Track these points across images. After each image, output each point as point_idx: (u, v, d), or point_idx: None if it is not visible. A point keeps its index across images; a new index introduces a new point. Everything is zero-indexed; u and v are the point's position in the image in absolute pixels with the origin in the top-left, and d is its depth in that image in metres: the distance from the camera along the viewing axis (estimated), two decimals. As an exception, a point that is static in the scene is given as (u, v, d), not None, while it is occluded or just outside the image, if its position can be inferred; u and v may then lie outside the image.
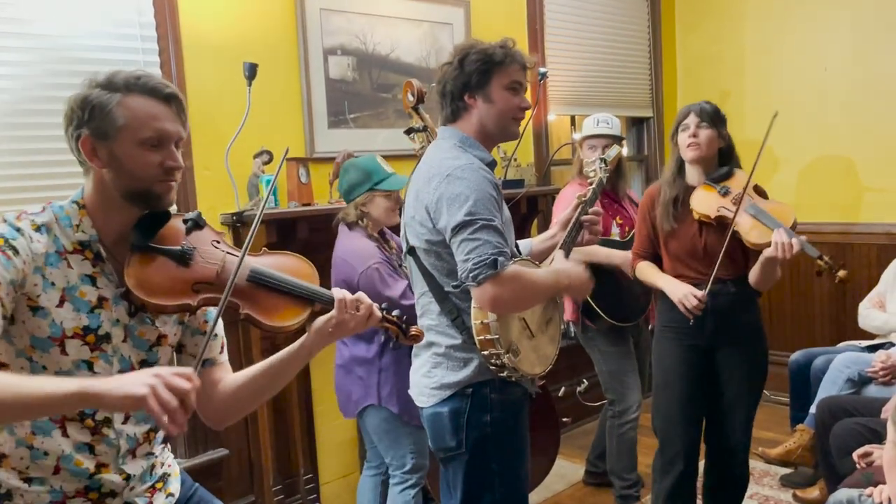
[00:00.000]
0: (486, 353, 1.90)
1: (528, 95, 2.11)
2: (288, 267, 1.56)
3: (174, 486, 1.63)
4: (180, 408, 1.19)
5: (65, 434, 1.41)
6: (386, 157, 3.11)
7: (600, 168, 2.40)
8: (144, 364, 1.51)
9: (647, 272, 2.72)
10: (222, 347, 1.65)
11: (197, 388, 1.23)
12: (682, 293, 2.56)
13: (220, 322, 1.63)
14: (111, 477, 1.46)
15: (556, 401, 3.87)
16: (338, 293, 1.53)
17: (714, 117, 2.62)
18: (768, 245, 2.45)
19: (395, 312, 1.65)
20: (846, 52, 4.43)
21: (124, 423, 1.48)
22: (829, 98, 4.49)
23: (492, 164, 1.98)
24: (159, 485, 1.58)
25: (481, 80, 1.94)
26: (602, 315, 3.19)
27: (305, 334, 1.55)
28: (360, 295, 1.56)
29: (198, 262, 1.46)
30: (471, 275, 1.78)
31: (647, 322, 3.50)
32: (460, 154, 1.92)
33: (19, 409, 1.19)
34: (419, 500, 2.73)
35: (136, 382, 1.18)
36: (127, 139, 1.39)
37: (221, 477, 3.03)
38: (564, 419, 4.31)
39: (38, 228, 1.38)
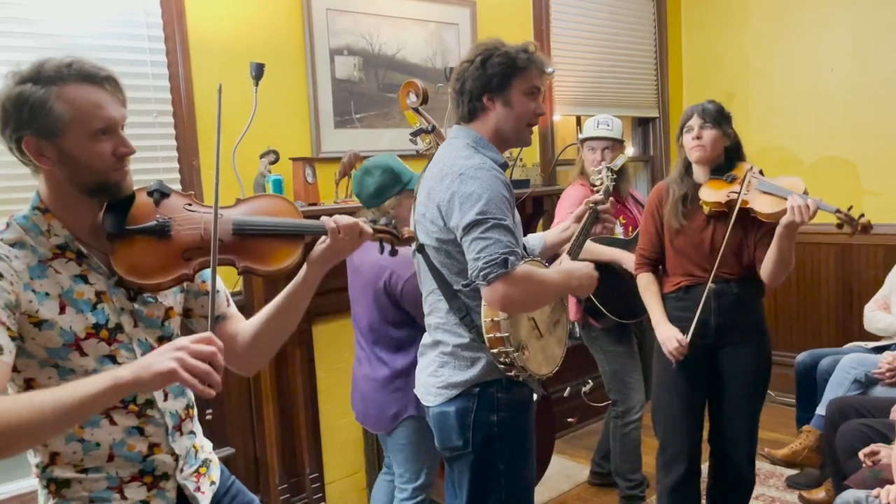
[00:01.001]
0: (494, 351, 1.90)
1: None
2: (267, 208, 1.55)
3: (215, 474, 1.65)
4: (212, 370, 1.21)
5: (112, 423, 1.42)
6: (392, 157, 3.12)
7: (607, 177, 2.41)
8: (162, 340, 1.52)
9: (646, 291, 2.75)
10: (228, 300, 1.66)
11: (220, 347, 1.24)
12: (666, 335, 2.63)
13: (219, 278, 1.63)
14: (163, 458, 1.48)
15: (560, 401, 3.88)
16: (329, 222, 1.53)
17: (717, 116, 2.62)
18: (783, 213, 2.41)
19: (382, 221, 1.63)
20: (851, 52, 4.42)
21: (165, 400, 1.49)
22: (835, 98, 4.48)
23: (503, 166, 1.97)
24: (203, 470, 1.60)
25: (502, 84, 1.93)
26: (605, 313, 3.19)
27: (304, 267, 1.56)
28: (340, 216, 1.55)
29: (178, 231, 1.45)
30: (481, 273, 1.77)
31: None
32: (473, 154, 1.92)
33: (62, 419, 1.17)
34: None
35: (162, 359, 1.19)
36: (75, 134, 1.33)
37: (227, 476, 3.03)
38: (570, 419, 4.31)
39: (12, 244, 1.35)
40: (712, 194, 2.59)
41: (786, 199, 2.43)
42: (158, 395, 1.48)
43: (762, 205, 2.51)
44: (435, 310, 2.02)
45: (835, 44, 4.47)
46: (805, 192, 2.49)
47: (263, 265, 1.48)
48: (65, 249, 1.40)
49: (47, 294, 1.35)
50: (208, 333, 1.25)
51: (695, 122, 2.62)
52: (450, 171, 1.88)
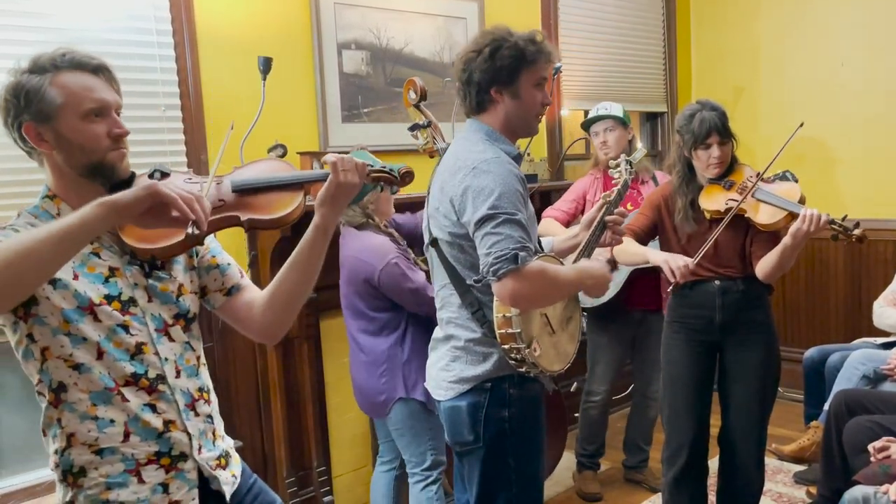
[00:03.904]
0: (506, 346, 1.88)
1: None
2: (263, 168, 1.60)
3: (237, 470, 1.65)
4: (193, 199, 1.36)
5: (124, 399, 1.43)
6: (400, 152, 3.13)
7: (626, 170, 2.40)
8: (178, 317, 1.54)
9: (629, 244, 2.62)
10: (241, 273, 1.68)
11: (200, 197, 1.38)
12: (665, 256, 2.54)
13: (225, 253, 1.68)
14: (179, 435, 1.49)
15: (567, 396, 3.88)
16: (329, 157, 1.54)
17: (728, 128, 2.58)
18: (779, 224, 2.45)
19: (378, 165, 1.63)
20: (861, 46, 4.39)
21: (177, 377, 1.51)
22: (846, 93, 4.45)
23: (517, 158, 1.95)
24: (223, 461, 1.60)
25: (511, 77, 1.90)
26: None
27: (315, 216, 1.56)
28: (337, 154, 1.57)
29: None
30: (491, 269, 1.76)
31: (659, 312, 3.49)
32: (487, 147, 1.90)
33: (54, 246, 1.24)
34: (441, 495, 2.70)
35: (141, 184, 1.35)
36: (69, 115, 1.39)
37: (235, 469, 3.04)
38: (577, 414, 4.29)
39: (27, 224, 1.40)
40: (711, 202, 2.59)
41: (786, 210, 2.44)
42: (170, 372, 1.49)
43: (760, 215, 2.51)
44: (447, 304, 2.00)
45: (846, 37, 4.44)
46: (802, 199, 2.49)
47: (265, 214, 1.51)
48: None
49: None
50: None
51: (713, 140, 2.55)
52: (463, 164, 1.86)
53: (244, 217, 1.49)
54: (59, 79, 1.39)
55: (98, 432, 1.42)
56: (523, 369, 1.93)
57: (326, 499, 3.21)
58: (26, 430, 2.62)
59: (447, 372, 2.00)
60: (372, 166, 1.60)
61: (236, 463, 1.66)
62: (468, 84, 1.94)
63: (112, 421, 1.43)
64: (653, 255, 2.60)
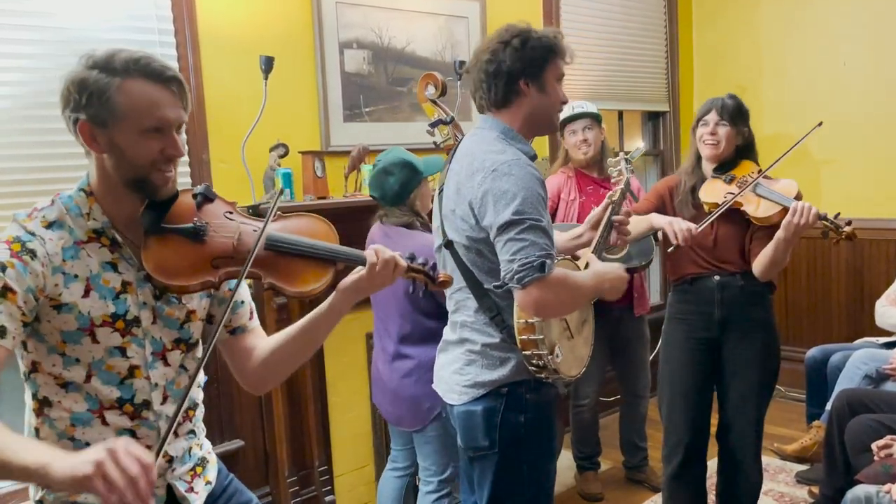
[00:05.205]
0: (527, 353, 1.84)
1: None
2: (304, 229, 1.53)
3: (212, 474, 1.63)
4: (131, 487, 1.07)
5: (104, 423, 1.42)
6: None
7: (626, 168, 2.39)
8: (179, 342, 1.51)
9: (636, 220, 2.57)
10: (252, 314, 1.65)
11: (150, 480, 1.10)
12: (671, 218, 2.53)
13: (247, 289, 1.63)
14: (158, 461, 1.47)
15: (565, 397, 3.89)
16: (370, 255, 1.49)
17: (735, 114, 2.61)
18: (773, 219, 2.45)
19: (419, 260, 1.58)
20: (864, 45, 4.38)
21: (163, 403, 1.48)
22: (847, 92, 4.45)
23: (534, 158, 1.89)
24: (199, 469, 1.58)
25: (539, 67, 1.87)
26: None
27: (333, 293, 1.53)
28: (378, 247, 1.52)
29: (212, 236, 1.44)
30: (516, 276, 1.70)
31: (631, 310, 3.51)
32: (505, 147, 1.83)
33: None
34: None
35: (85, 460, 1.09)
36: (127, 127, 1.34)
37: (237, 468, 3.04)
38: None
39: (49, 225, 1.37)
40: (710, 194, 2.60)
41: (780, 204, 2.46)
42: (157, 398, 1.47)
43: (756, 208, 2.52)
44: (462, 307, 1.94)
45: (847, 37, 4.43)
46: (799, 196, 2.50)
47: (289, 285, 1.45)
48: (100, 235, 1.41)
49: (76, 276, 1.37)
50: (151, 457, 1.12)
51: (711, 117, 2.61)
52: (481, 166, 1.80)
53: (266, 279, 1.44)
54: (126, 86, 1.33)
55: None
56: (543, 375, 1.88)
57: (328, 498, 3.21)
58: (25, 430, 2.61)
59: (461, 376, 1.94)
60: (411, 262, 1.56)
61: (212, 466, 1.65)
62: (495, 76, 1.87)
63: (87, 444, 1.40)
64: (657, 219, 2.59)
